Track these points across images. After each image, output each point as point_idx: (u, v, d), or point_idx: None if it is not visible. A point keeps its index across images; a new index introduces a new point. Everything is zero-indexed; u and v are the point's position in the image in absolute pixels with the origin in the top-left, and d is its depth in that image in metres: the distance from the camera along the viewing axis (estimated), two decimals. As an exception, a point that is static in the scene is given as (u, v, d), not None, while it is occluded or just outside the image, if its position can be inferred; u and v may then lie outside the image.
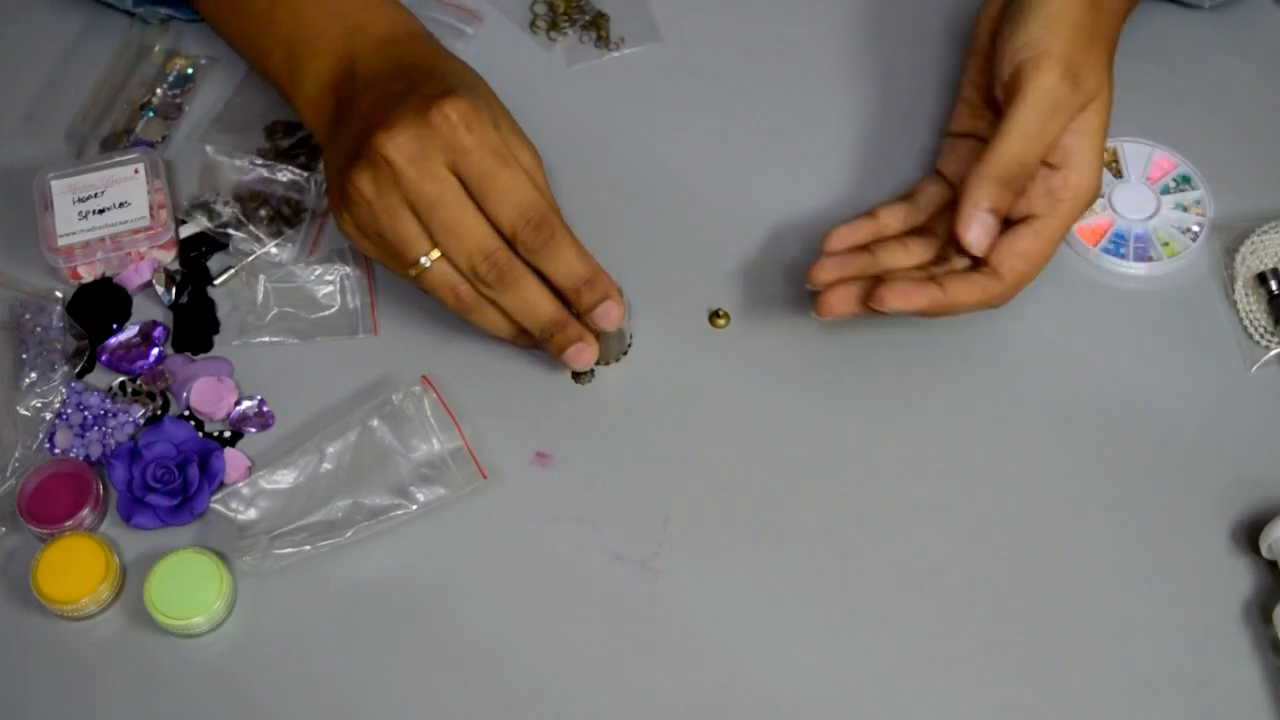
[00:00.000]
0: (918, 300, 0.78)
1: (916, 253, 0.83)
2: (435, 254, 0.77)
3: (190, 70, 0.93)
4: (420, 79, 0.79)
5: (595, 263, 0.79)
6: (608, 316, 0.79)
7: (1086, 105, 0.80)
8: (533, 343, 0.81)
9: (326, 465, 0.79)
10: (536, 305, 0.78)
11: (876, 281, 0.79)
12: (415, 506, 0.79)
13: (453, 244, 0.77)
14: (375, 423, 0.80)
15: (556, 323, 0.79)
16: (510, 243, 0.77)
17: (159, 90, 0.92)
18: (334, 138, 0.81)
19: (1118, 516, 0.81)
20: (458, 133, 0.76)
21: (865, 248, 0.83)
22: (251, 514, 0.79)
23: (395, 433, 0.80)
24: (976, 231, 0.79)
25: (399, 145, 0.75)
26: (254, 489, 0.79)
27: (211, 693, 0.75)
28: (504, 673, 0.76)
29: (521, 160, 0.79)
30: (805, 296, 0.87)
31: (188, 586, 0.76)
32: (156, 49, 0.93)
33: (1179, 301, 0.87)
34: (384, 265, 0.80)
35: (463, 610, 0.77)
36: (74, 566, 0.76)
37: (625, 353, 0.84)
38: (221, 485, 0.80)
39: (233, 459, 0.80)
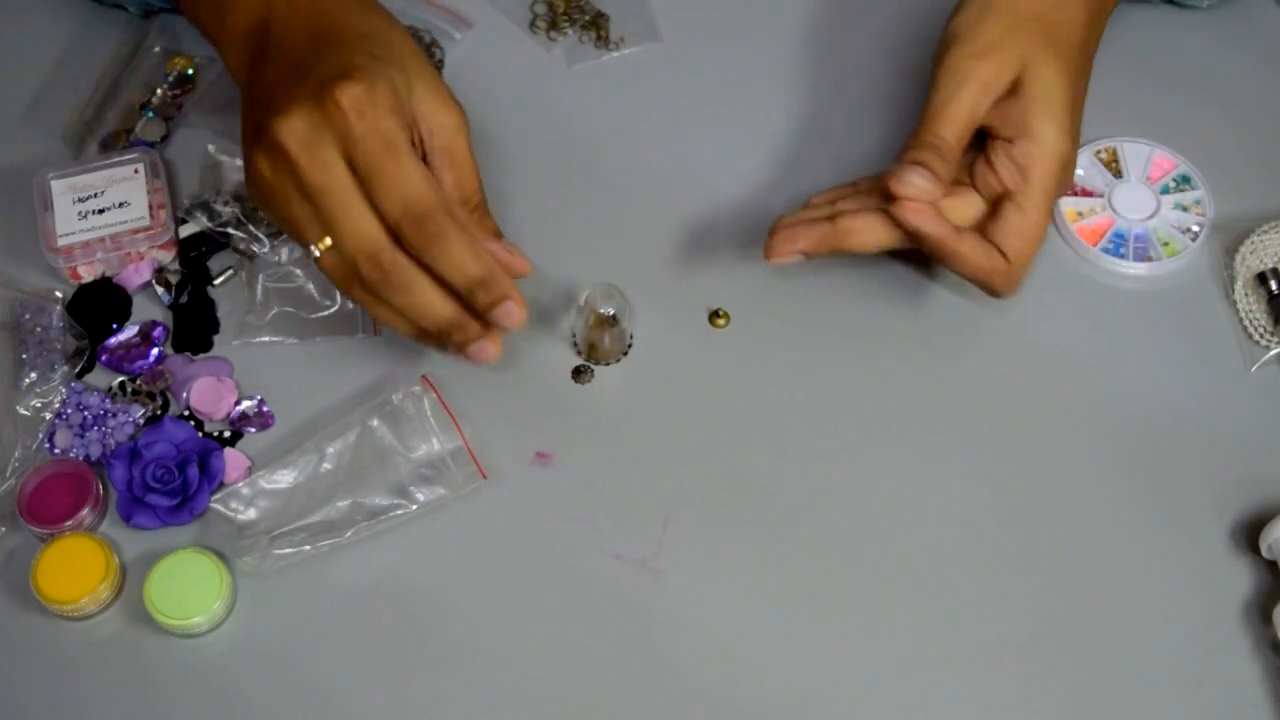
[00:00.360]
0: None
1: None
2: (326, 243, 0.73)
3: (190, 70, 0.93)
4: (326, 50, 0.75)
5: (489, 260, 0.73)
6: (509, 317, 0.73)
7: (1005, 74, 0.80)
8: (439, 342, 0.76)
9: (326, 465, 0.79)
10: (428, 306, 0.73)
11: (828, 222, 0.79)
12: (415, 506, 0.79)
13: (337, 239, 0.72)
14: (375, 423, 0.80)
15: (453, 323, 0.74)
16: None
17: (159, 90, 0.92)
18: (246, 100, 0.78)
19: (1117, 516, 0.81)
20: (348, 120, 0.71)
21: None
22: (251, 514, 0.79)
23: (395, 433, 0.80)
24: (900, 179, 0.78)
25: (291, 130, 0.72)
26: (254, 489, 0.79)
27: (211, 693, 0.75)
28: (504, 672, 0.76)
29: (436, 129, 0.75)
30: (807, 296, 0.87)
31: (187, 586, 0.76)
32: (156, 49, 0.93)
33: (1179, 301, 0.87)
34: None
35: (463, 610, 0.77)
36: (74, 566, 0.76)
37: (625, 353, 0.84)
38: (221, 485, 0.80)
39: (233, 459, 0.80)
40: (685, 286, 0.87)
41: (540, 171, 0.91)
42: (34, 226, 0.85)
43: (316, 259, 0.74)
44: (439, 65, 0.94)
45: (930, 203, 0.78)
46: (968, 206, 0.81)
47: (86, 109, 0.90)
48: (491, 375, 0.83)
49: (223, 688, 0.75)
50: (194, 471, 0.79)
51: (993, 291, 0.80)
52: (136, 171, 0.86)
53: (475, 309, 0.73)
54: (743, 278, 0.87)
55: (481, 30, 0.96)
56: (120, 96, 0.92)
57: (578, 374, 0.84)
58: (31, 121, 0.91)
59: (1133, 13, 0.97)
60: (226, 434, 0.82)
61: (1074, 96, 0.81)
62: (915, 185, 0.78)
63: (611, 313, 0.82)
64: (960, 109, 0.80)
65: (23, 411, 0.81)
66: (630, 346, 0.84)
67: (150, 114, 0.91)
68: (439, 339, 0.75)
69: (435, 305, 0.73)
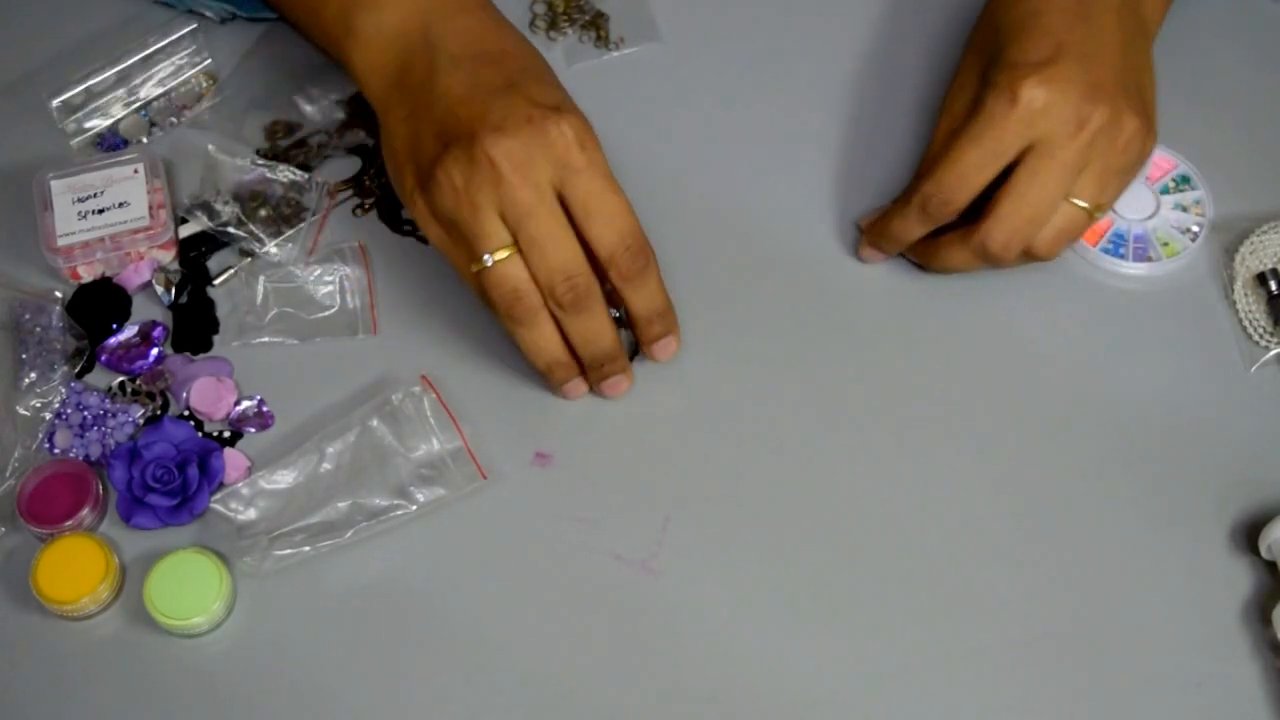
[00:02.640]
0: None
1: None
2: (504, 254, 0.76)
3: (204, 83, 0.93)
4: (518, 76, 0.79)
5: (669, 298, 0.81)
6: (667, 350, 0.81)
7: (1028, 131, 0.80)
8: (562, 373, 0.80)
9: (326, 465, 0.79)
10: (602, 334, 0.79)
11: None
12: (415, 507, 0.79)
13: (538, 257, 0.76)
14: (375, 423, 0.80)
15: (610, 354, 0.80)
16: (595, 267, 0.78)
17: (158, 90, 0.92)
18: (400, 104, 0.80)
19: (1116, 516, 0.81)
20: (571, 151, 0.76)
21: None
22: (251, 514, 0.79)
23: (395, 433, 0.80)
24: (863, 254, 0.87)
25: (508, 150, 0.75)
26: (254, 489, 0.79)
27: (211, 693, 0.75)
28: (504, 672, 0.76)
29: None
30: (807, 296, 0.87)
31: (187, 586, 0.76)
32: (156, 49, 0.93)
33: (1178, 302, 0.87)
34: (440, 251, 0.79)
35: (463, 610, 0.77)
36: (74, 566, 0.76)
37: (632, 358, 0.84)
38: (221, 485, 0.80)
39: (232, 459, 0.80)
40: (685, 286, 0.87)
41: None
42: (34, 226, 0.85)
43: (484, 270, 0.77)
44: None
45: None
46: None
47: (89, 109, 0.90)
48: (492, 375, 0.84)
49: (223, 688, 0.75)
50: (194, 472, 0.79)
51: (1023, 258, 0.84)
52: (136, 171, 0.86)
53: (641, 338, 0.81)
54: (742, 276, 0.87)
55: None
56: (120, 96, 0.91)
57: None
58: (31, 121, 0.91)
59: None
60: (226, 434, 0.82)
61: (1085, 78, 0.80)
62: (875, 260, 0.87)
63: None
64: (969, 166, 0.81)
65: (22, 411, 0.81)
66: (636, 350, 0.84)
67: (144, 114, 0.91)
68: (575, 369, 0.81)
69: (608, 333, 0.79)
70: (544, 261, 0.76)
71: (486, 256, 0.76)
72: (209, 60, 0.93)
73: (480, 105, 0.77)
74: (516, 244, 0.76)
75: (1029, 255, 0.83)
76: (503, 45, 0.81)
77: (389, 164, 0.82)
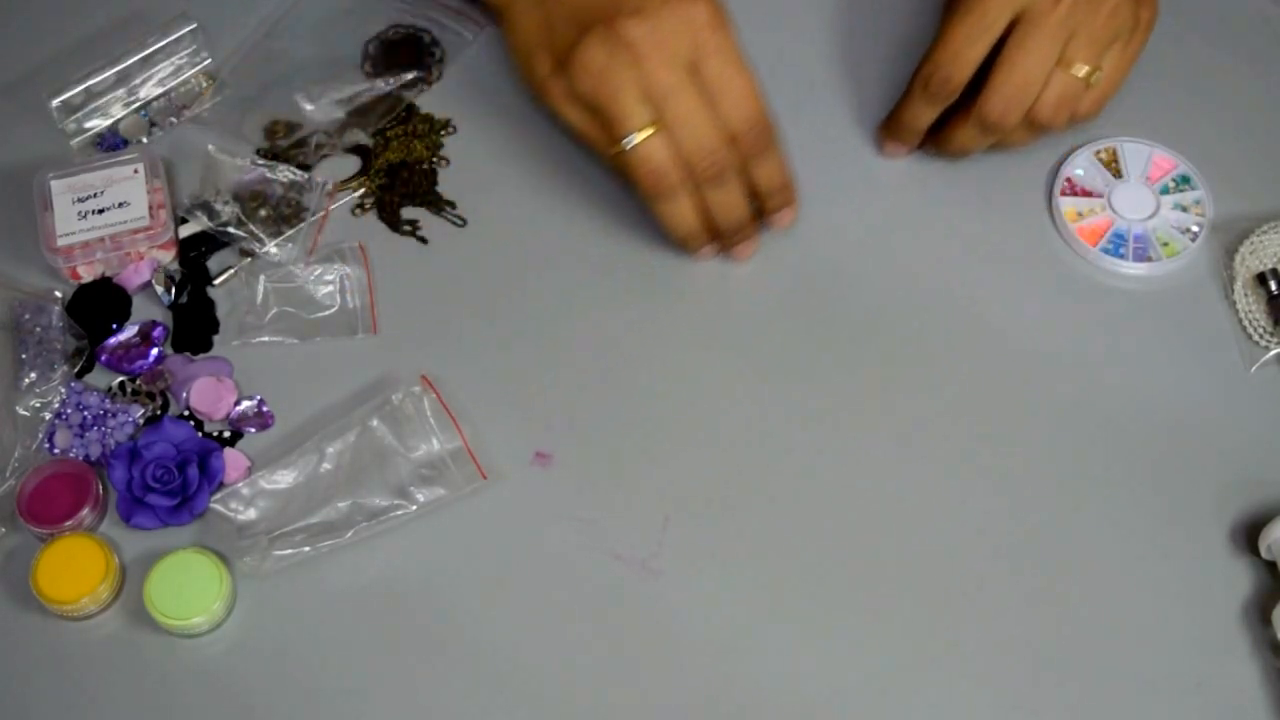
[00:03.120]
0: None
1: None
2: (647, 133, 0.79)
3: (204, 84, 0.93)
4: None
5: (791, 171, 0.84)
6: (786, 219, 0.86)
7: None
8: (698, 241, 0.85)
9: (326, 465, 0.79)
10: (737, 204, 0.83)
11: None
12: (415, 507, 0.79)
13: (683, 134, 0.80)
14: (375, 423, 0.80)
15: (743, 222, 0.84)
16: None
17: (158, 90, 0.92)
18: None
19: (1116, 516, 0.81)
20: (704, 33, 0.79)
21: None
22: (251, 514, 0.79)
23: (395, 433, 0.80)
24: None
25: (647, 32, 0.78)
26: (254, 489, 0.79)
27: (211, 693, 0.75)
28: (504, 672, 0.76)
29: None
30: (806, 296, 0.87)
31: (187, 587, 0.76)
32: (156, 49, 0.93)
33: (1178, 302, 0.87)
34: (580, 137, 0.83)
35: (462, 610, 0.77)
36: (73, 566, 0.76)
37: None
38: (221, 485, 0.80)
39: (232, 459, 0.80)
40: (685, 284, 0.87)
41: (546, 167, 0.91)
42: (34, 226, 0.85)
43: (624, 150, 0.80)
44: (439, 63, 0.94)
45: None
46: None
47: (88, 109, 0.90)
48: (492, 375, 0.84)
49: (223, 688, 0.75)
50: (194, 472, 0.79)
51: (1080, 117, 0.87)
52: (136, 171, 0.86)
53: (765, 208, 0.85)
54: (743, 278, 0.87)
55: (494, 31, 0.96)
56: (120, 96, 0.91)
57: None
58: (31, 121, 0.91)
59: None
60: (226, 434, 0.82)
61: None
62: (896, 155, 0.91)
63: None
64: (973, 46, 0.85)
65: (22, 411, 0.81)
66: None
67: (144, 114, 0.91)
68: (709, 237, 0.85)
69: (742, 204, 0.84)
70: (689, 138, 0.80)
71: (631, 138, 0.80)
72: (209, 60, 0.92)
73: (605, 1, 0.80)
74: (657, 123, 0.79)
75: (1034, 125, 0.86)
76: None
77: (517, 54, 0.85)
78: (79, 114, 0.90)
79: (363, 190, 0.90)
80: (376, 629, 0.77)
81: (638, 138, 0.80)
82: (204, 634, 0.76)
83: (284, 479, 0.79)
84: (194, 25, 0.91)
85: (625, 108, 0.79)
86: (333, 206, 0.89)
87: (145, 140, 0.90)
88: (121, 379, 0.83)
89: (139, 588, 0.76)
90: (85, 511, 0.78)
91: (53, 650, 0.76)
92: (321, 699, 0.75)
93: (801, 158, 0.91)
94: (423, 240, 0.88)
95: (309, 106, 0.91)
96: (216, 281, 0.86)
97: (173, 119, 0.91)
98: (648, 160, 0.80)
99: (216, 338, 0.85)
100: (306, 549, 0.77)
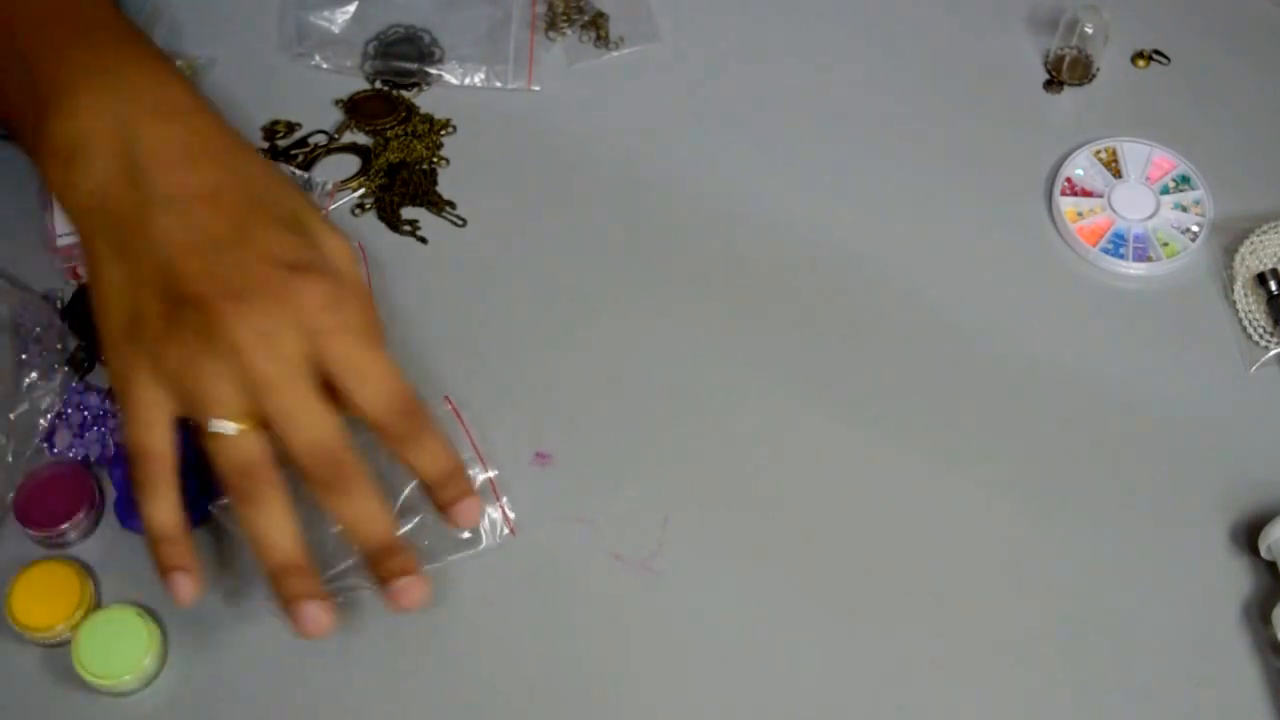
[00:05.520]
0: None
1: None
2: (242, 426, 0.67)
3: (189, 71, 0.93)
4: (246, 218, 0.69)
5: (458, 456, 0.72)
6: (470, 514, 0.71)
7: None
8: (296, 583, 0.68)
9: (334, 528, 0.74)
10: (375, 516, 0.69)
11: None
12: (439, 564, 0.76)
13: (291, 432, 0.67)
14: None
15: (385, 545, 0.69)
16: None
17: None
18: (108, 238, 0.70)
19: (1116, 516, 0.81)
20: (321, 315, 0.68)
21: None
22: None
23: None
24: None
25: (250, 322, 0.66)
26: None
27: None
28: (503, 673, 0.76)
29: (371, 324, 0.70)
30: (806, 297, 0.87)
31: (115, 643, 0.73)
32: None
33: (1178, 302, 0.88)
34: (140, 410, 0.69)
35: (462, 611, 0.77)
36: (50, 592, 0.74)
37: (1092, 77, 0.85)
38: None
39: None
40: (685, 286, 0.87)
41: (537, 170, 0.91)
42: (34, 227, 0.85)
43: (217, 438, 0.68)
44: (439, 62, 0.94)
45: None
46: None
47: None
48: (492, 375, 0.83)
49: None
50: (194, 483, 0.79)
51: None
52: (136, 171, 0.86)
53: (437, 502, 0.71)
54: (743, 278, 0.87)
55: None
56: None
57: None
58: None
59: (1132, 13, 0.97)
60: (226, 434, 0.82)
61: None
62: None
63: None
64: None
65: (22, 412, 0.81)
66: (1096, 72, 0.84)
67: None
68: (301, 582, 0.68)
69: (383, 517, 0.69)
70: (299, 436, 0.67)
71: (221, 425, 0.67)
72: (199, 55, 0.93)
73: (209, 262, 0.68)
74: (253, 415, 0.68)
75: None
76: (219, 174, 0.71)
77: (97, 304, 0.70)
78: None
79: (362, 190, 0.90)
80: (372, 627, 0.77)
81: (233, 428, 0.67)
82: (135, 691, 0.74)
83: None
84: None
85: (218, 394, 0.67)
86: (333, 206, 0.89)
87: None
88: (121, 379, 0.83)
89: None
90: (81, 515, 0.77)
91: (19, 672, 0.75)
92: (320, 703, 0.75)
93: (802, 157, 0.92)
94: (423, 240, 0.88)
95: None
96: (216, 281, 0.86)
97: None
98: (239, 457, 0.67)
99: (216, 338, 0.85)
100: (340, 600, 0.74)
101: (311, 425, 0.68)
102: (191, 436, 0.69)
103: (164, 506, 0.69)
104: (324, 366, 0.68)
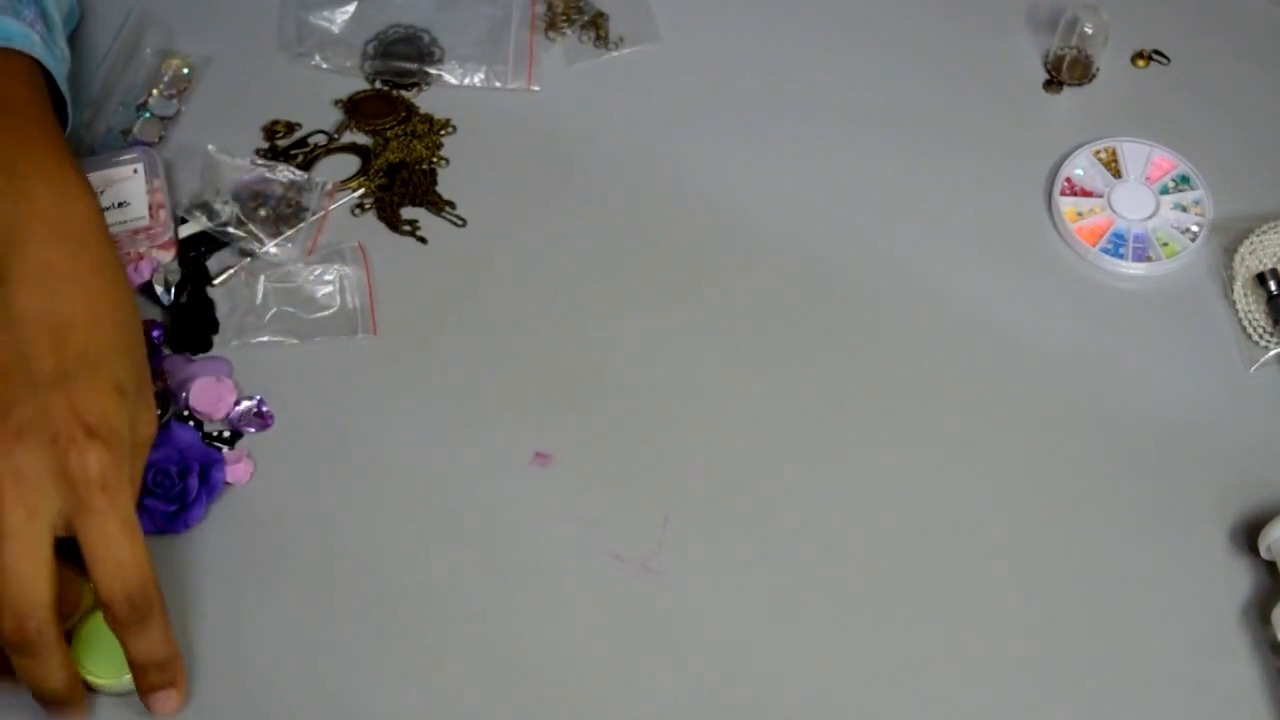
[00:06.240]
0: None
1: None
2: None
3: (187, 70, 0.93)
4: (75, 365, 0.68)
5: (176, 644, 0.71)
6: (168, 704, 0.71)
7: None
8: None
9: None
10: (50, 675, 0.68)
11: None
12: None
13: (1, 583, 0.66)
14: None
15: (64, 700, 0.69)
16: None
17: (155, 90, 0.92)
18: None
19: (1116, 517, 0.81)
20: (90, 489, 0.66)
21: None
22: None
23: None
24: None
25: (14, 465, 0.65)
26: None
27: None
28: (502, 673, 0.76)
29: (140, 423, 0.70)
30: (806, 298, 0.87)
31: (115, 643, 0.71)
32: (148, 51, 0.93)
33: (1178, 302, 0.88)
34: None
35: (461, 611, 0.77)
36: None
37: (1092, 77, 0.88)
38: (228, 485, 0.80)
39: (237, 465, 0.80)
40: (684, 286, 0.87)
41: (537, 170, 0.91)
42: (33, 226, 0.85)
43: None
44: (438, 62, 0.94)
45: None
46: None
47: (86, 110, 0.90)
48: (492, 375, 0.83)
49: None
50: (194, 481, 0.79)
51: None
52: (136, 171, 0.86)
53: (138, 685, 0.71)
54: (742, 278, 0.87)
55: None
56: (115, 97, 0.91)
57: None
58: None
59: (1132, 13, 0.97)
60: (226, 434, 0.82)
61: None
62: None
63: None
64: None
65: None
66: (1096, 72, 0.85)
67: (148, 114, 0.91)
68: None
69: (59, 678, 0.68)
70: (3, 590, 0.66)
71: None
72: (191, 53, 0.93)
73: (10, 392, 0.67)
74: None
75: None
76: (79, 310, 0.69)
77: None
78: (78, 116, 0.90)
79: (362, 190, 0.90)
80: (376, 625, 0.77)
81: None
82: (134, 692, 0.73)
83: None
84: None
85: None
86: (332, 206, 0.89)
87: (158, 140, 0.90)
88: (121, 379, 0.83)
89: None
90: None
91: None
92: (315, 697, 0.75)
93: (802, 156, 0.92)
94: (423, 240, 0.88)
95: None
96: (216, 281, 0.86)
97: (171, 118, 0.91)
98: None
99: (216, 338, 0.85)
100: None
101: (20, 587, 0.66)
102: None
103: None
104: (77, 535, 0.67)
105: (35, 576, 0.66)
